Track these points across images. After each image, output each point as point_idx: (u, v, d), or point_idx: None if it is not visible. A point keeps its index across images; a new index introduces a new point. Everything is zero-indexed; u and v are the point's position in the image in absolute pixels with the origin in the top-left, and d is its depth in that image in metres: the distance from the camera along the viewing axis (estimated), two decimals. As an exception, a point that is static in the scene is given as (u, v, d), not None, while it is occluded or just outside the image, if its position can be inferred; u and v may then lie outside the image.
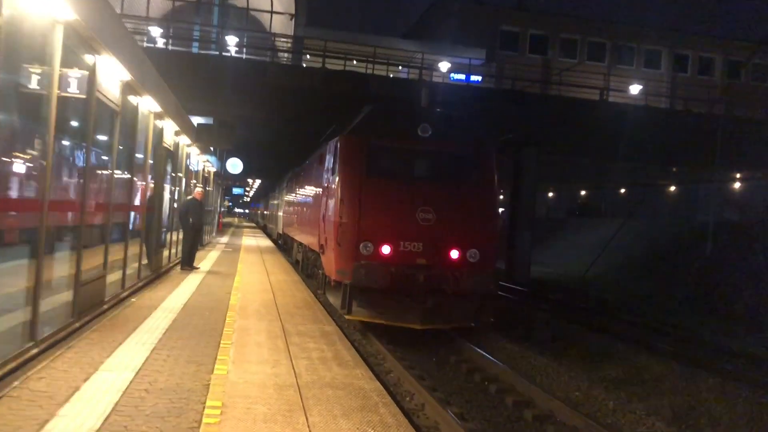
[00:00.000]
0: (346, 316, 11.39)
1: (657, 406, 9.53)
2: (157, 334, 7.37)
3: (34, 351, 5.73)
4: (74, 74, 5.87)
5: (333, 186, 12.17)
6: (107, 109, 8.04)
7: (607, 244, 30.60)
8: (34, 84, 5.60)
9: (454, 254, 11.31)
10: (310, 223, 15.51)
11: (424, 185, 11.65)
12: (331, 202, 12.12)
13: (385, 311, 11.14)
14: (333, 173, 12.32)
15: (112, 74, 7.87)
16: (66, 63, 6.08)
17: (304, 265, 17.71)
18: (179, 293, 10.91)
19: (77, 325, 7.10)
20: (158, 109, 11.12)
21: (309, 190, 17.04)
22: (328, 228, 12.22)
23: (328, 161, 12.99)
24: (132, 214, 10.61)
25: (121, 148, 9.45)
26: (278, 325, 8.63)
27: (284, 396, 5.35)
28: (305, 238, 16.94)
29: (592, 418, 8.03)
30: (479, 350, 11.38)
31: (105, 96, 7.60)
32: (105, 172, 8.54)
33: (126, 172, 9.98)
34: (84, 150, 7.19)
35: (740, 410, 9.26)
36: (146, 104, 10.45)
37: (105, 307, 8.51)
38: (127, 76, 8.24)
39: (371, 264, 10.89)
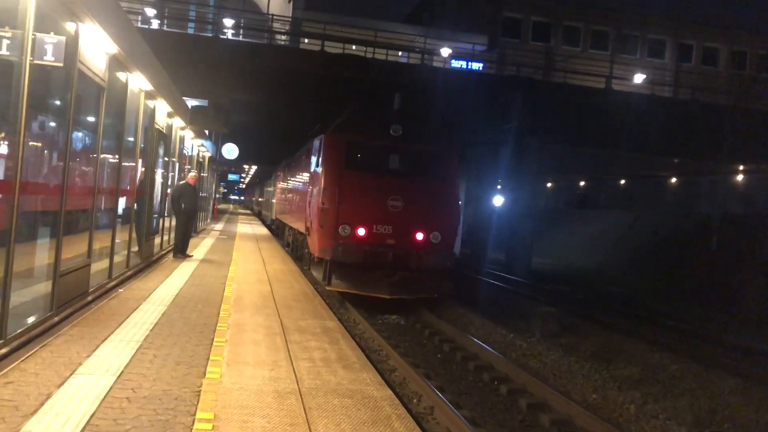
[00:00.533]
0: (327, 287, 13.36)
1: (676, 408, 8.97)
2: (144, 329, 6.75)
3: (3, 351, 5.10)
4: (50, 39, 5.19)
5: (317, 177, 13.97)
6: (92, 83, 7.36)
7: (621, 238, 30.04)
8: (3, 50, 4.94)
9: (419, 236, 13.19)
10: (299, 210, 17.46)
11: (394, 177, 13.46)
12: (316, 191, 13.91)
13: (360, 283, 13.04)
14: (317, 166, 14.20)
15: (97, 45, 7.18)
16: (43, 30, 5.41)
17: (294, 246, 19.47)
18: (170, 283, 10.28)
19: (56, 319, 6.46)
20: (149, 87, 10.43)
21: (298, 180, 19.09)
22: (312, 213, 14.09)
23: (314, 155, 14.92)
24: (121, 198, 9.94)
25: (110, 128, 8.81)
26: (276, 320, 8.01)
27: (285, 406, 4.73)
28: (294, 223, 18.95)
29: (614, 424, 7.46)
30: (487, 347, 10.80)
31: (89, 68, 6.91)
32: (90, 152, 7.88)
33: (114, 154, 9.31)
34: (65, 127, 6.51)
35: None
36: (136, 81, 9.75)
37: (89, 298, 7.87)
38: (113, 48, 7.55)
39: (348, 243, 12.79)
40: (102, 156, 8.14)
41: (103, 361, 5.40)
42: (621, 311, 17.82)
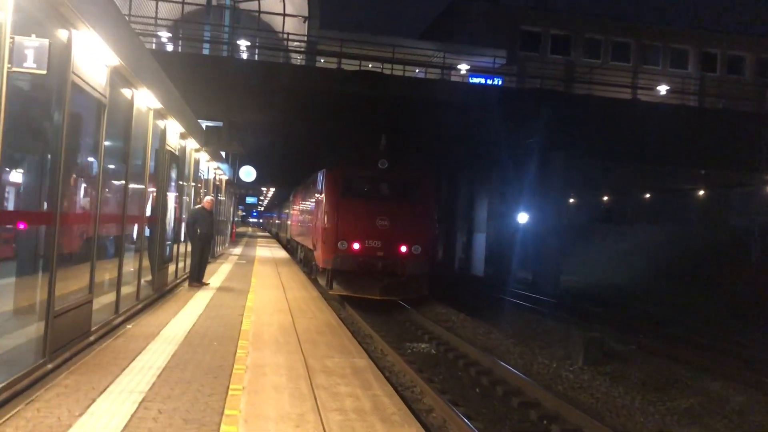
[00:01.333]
0: (330, 291, 16.15)
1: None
2: (150, 375, 5.90)
3: (-23, 414, 4.28)
4: (31, 43, 4.42)
5: (320, 203, 17.18)
6: (91, 99, 6.60)
7: (651, 254, 28.75)
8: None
9: (403, 248, 15.98)
10: (308, 230, 21.14)
11: (382, 201, 16.47)
12: (320, 214, 17.08)
13: (356, 287, 15.92)
14: (320, 194, 17.36)
15: (94, 56, 6.42)
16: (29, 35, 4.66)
17: (305, 261, 22.32)
18: (184, 317, 9.45)
19: (49, 366, 5.63)
20: (159, 105, 9.68)
21: (306, 205, 23.00)
22: (317, 232, 17.35)
23: (318, 185, 18.19)
24: (129, 225, 9.16)
25: (114, 148, 8.07)
26: (300, 358, 7.12)
27: (315, 480, 3.84)
28: (304, 240, 22.53)
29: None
30: (529, 379, 9.82)
31: (85, 81, 6.15)
32: (89, 173, 7.10)
33: (119, 177, 8.55)
34: (58, 146, 5.72)
35: None
36: (143, 99, 9.00)
37: (91, 338, 7.03)
38: (114, 60, 6.79)
39: (346, 255, 15.75)
40: (105, 178, 7.35)
41: (98, 422, 4.54)
42: (663, 333, 16.69)
